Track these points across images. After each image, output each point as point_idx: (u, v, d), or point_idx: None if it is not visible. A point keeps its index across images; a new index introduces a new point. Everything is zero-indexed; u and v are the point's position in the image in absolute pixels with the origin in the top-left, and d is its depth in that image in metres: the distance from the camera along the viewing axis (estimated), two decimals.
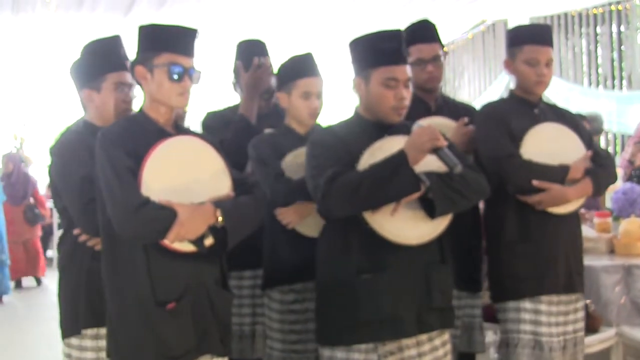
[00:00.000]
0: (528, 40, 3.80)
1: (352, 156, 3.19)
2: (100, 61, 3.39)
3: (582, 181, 3.75)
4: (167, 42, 3.04)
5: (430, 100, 4.10)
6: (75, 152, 3.29)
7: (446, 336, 3.40)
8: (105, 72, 3.36)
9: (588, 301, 4.62)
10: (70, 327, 3.35)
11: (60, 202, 3.37)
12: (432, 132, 3.10)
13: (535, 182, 3.67)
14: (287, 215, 3.67)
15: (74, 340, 3.32)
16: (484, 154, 3.80)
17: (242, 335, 4.09)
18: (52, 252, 13.25)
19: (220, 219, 2.98)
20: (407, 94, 3.28)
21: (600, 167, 3.82)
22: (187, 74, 3.04)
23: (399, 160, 3.06)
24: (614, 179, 3.99)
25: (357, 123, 3.37)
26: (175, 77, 3.01)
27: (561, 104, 4.47)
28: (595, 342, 4.57)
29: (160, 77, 3.02)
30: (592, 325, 4.59)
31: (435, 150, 3.10)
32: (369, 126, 3.32)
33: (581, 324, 3.89)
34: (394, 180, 3.04)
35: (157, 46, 3.04)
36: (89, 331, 3.31)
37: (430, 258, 3.30)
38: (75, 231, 3.31)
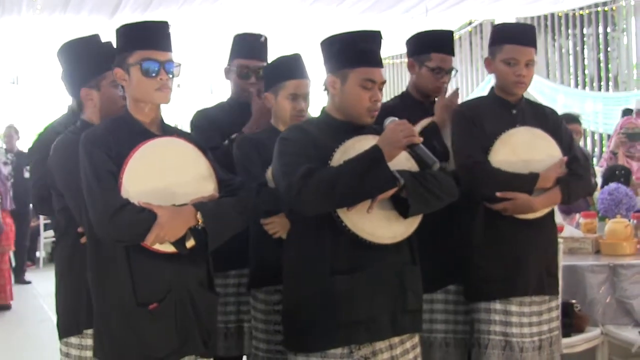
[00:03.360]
0: (508, 40, 3.77)
1: (322, 154, 3.17)
2: (99, 60, 3.38)
3: (551, 190, 3.73)
4: (138, 39, 3.04)
5: (427, 104, 4.12)
6: (75, 152, 3.28)
7: (416, 339, 3.39)
8: (105, 70, 3.35)
9: (574, 301, 4.64)
10: (70, 327, 3.32)
11: (59, 202, 3.35)
12: (407, 128, 3.10)
13: (499, 194, 3.66)
14: (274, 226, 3.66)
15: (73, 340, 3.30)
16: (455, 157, 3.79)
17: (227, 333, 4.08)
18: (38, 253, 13.22)
19: (200, 220, 2.97)
20: (381, 97, 3.27)
21: (573, 176, 3.78)
22: (163, 68, 3.01)
23: (375, 156, 3.04)
24: (588, 188, 3.97)
25: (326, 122, 3.34)
26: (150, 72, 2.99)
27: (547, 105, 4.46)
28: (581, 342, 4.58)
29: (136, 75, 3.01)
30: (578, 325, 4.60)
31: (411, 147, 3.11)
32: (339, 126, 3.29)
33: (556, 323, 3.87)
34: (370, 176, 3.02)
35: (129, 45, 3.03)
36: (90, 330, 3.28)
37: (402, 259, 3.29)
38: (79, 229, 3.30)
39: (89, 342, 3.24)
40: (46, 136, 3.75)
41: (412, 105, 3.88)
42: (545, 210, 3.77)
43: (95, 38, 3.52)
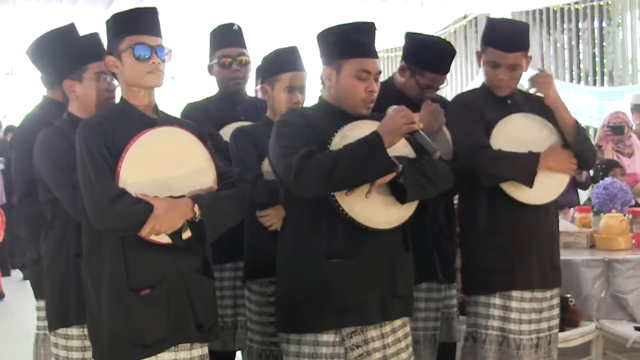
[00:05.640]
0: (492, 43, 3.75)
1: (321, 138, 3.18)
2: (81, 51, 3.37)
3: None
4: (128, 25, 3.07)
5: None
6: (56, 144, 3.24)
7: (408, 329, 3.41)
8: (87, 62, 3.34)
9: (568, 295, 4.64)
10: (58, 319, 3.32)
11: (45, 194, 3.34)
12: (408, 115, 3.10)
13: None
14: (269, 218, 3.67)
15: (60, 330, 3.30)
16: (459, 145, 3.77)
17: (224, 327, 4.07)
18: None
19: (198, 213, 2.97)
20: (377, 87, 3.29)
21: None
22: (154, 51, 3.04)
23: (374, 142, 3.05)
24: (592, 148, 3.93)
25: (325, 108, 3.36)
26: (142, 56, 3.02)
27: None
28: (575, 336, 4.58)
29: (128, 60, 3.03)
30: (572, 320, 4.61)
31: (412, 134, 3.11)
32: (337, 112, 3.31)
33: (556, 321, 3.88)
34: (369, 161, 3.03)
35: (119, 32, 3.06)
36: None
37: (395, 245, 3.32)
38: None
39: (75, 331, 3.27)
40: (26, 127, 3.71)
41: (395, 94, 3.85)
42: (549, 198, 3.76)
43: (71, 27, 3.52)
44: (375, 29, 3.33)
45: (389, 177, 3.11)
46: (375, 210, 3.18)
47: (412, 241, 3.41)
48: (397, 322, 3.34)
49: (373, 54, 3.29)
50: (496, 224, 3.76)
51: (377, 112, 3.28)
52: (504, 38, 3.75)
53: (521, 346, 3.71)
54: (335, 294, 3.17)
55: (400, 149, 3.17)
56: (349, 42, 3.25)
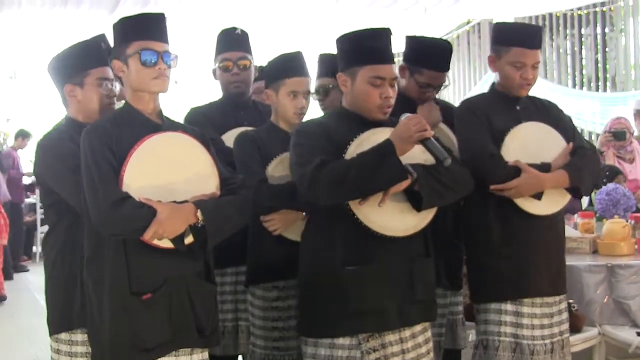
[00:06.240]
0: (517, 43, 3.71)
1: (338, 146, 3.20)
2: (83, 56, 3.38)
3: (558, 171, 3.65)
4: (135, 30, 3.08)
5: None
6: (61, 146, 3.25)
7: (429, 334, 3.41)
8: (88, 67, 3.35)
9: (571, 301, 4.64)
10: (60, 323, 3.30)
11: (48, 197, 3.35)
12: (420, 122, 3.11)
13: (499, 186, 3.59)
14: (273, 223, 3.67)
15: (63, 335, 3.29)
16: (465, 152, 3.72)
17: (224, 331, 4.07)
18: (35, 248, 13.34)
19: (200, 218, 2.98)
20: (393, 93, 3.28)
21: (579, 158, 3.73)
22: (160, 57, 3.05)
23: (386, 150, 3.07)
24: (595, 166, 3.87)
25: (342, 115, 3.37)
26: (148, 61, 3.03)
27: None
28: (578, 342, 4.57)
29: (134, 65, 3.05)
30: (575, 325, 4.59)
31: (423, 142, 3.12)
32: (355, 119, 3.32)
33: (566, 325, 3.85)
34: (381, 170, 3.04)
35: (127, 37, 3.08)
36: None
37: (415, 251, 3.32)
38: None
39: (79, 337, 3.24)
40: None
41: (398, 97, 3.86)
42: (558, 205, 3.75)
43: (98, 37, 3.51)
44: (390, 34, 3.33)
45: (404, 185, 3.12)
46: (391, 218, 3.19)
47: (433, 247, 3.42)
48: (418, 327, 3.35)
49: (387, 60, 3.29)
50: (508, 233, 3.72)
51: (397, 118, 3.26)
52: (528, 35, 3.75)
53: (535, 352, 3.68)
54: (351, 301, 3.19)
55: (419, 155, 3.18)
56: (362, 49, 3.26)
